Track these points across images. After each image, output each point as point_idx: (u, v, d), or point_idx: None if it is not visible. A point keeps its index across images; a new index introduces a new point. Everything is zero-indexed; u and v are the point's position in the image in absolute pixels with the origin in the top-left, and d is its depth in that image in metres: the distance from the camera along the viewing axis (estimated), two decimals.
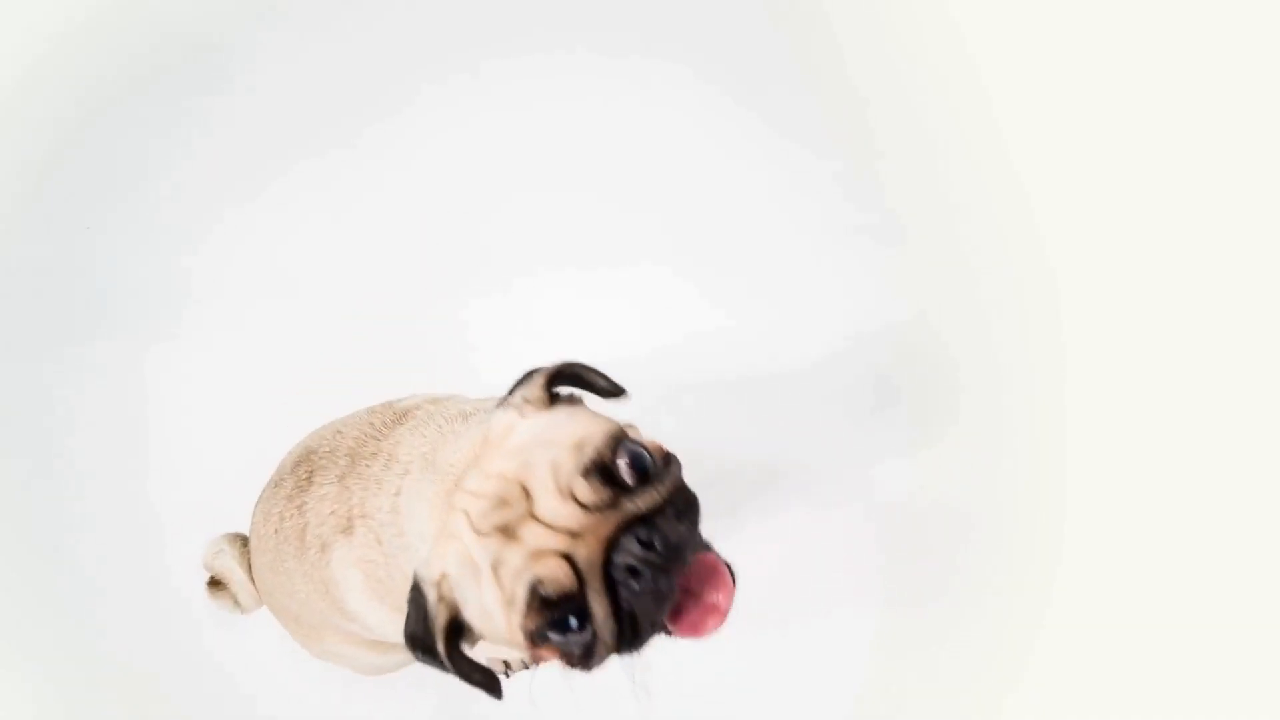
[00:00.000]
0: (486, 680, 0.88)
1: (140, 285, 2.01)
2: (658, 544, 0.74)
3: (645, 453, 0.82)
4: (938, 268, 1.83)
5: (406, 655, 1.39)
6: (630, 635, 0.77)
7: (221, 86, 2.19)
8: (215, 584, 1.42)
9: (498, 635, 0.82)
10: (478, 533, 0.77)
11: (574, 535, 0.75)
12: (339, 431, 1.19)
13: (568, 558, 0.74)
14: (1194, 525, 1.54)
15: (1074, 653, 1.49)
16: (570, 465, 0.78)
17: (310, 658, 1.52)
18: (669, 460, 0.85)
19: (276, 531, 1.19)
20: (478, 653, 0.94)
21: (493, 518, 0.77)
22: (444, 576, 0.82)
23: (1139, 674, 1.46)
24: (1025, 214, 1.82)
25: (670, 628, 0.82)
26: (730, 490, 1.68)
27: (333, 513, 1.09)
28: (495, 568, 0.77)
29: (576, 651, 0.79)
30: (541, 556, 0.75)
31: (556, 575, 0.74)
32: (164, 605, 1.70)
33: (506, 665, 1.61)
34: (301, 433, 1.31)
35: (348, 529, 1.06)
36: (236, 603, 1.42)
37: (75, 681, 1.68)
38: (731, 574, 0.83)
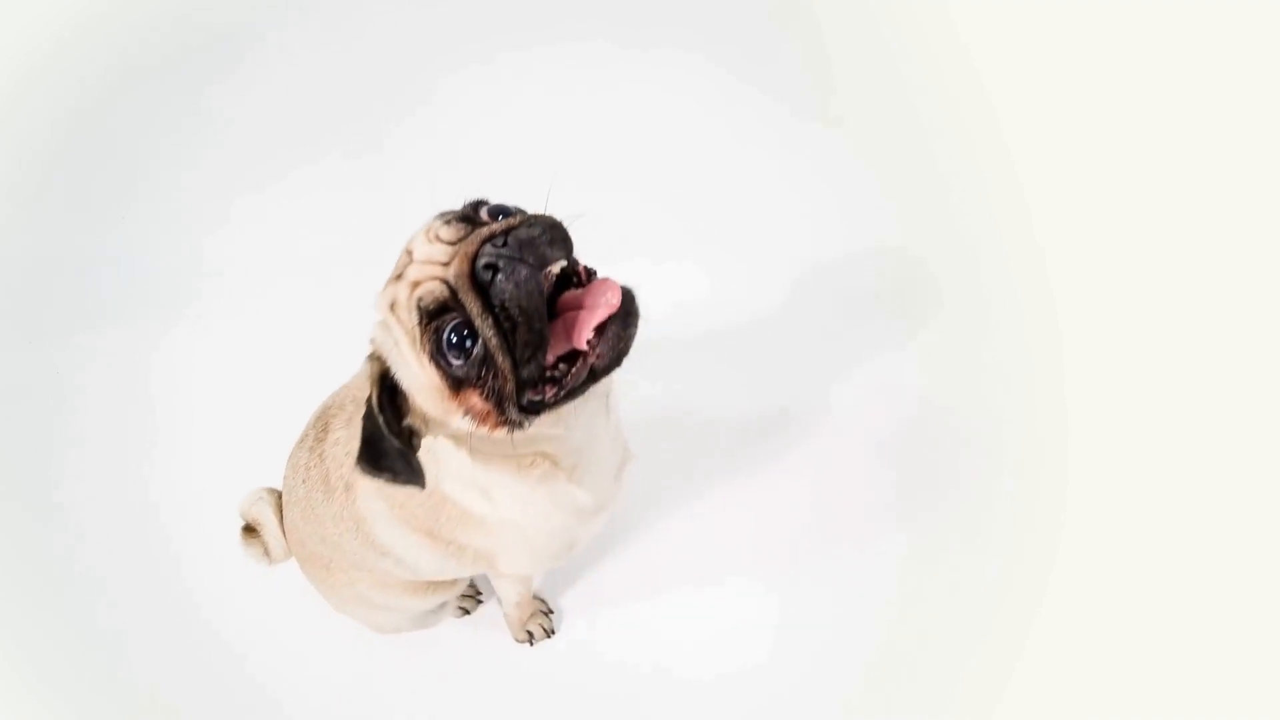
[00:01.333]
0: (403, 455, 0.92)
1: (154, 273, 2.10)
2: (511, 242, 0.84)
3: (508, 205, 0.93)
4: (924, 206, 1.93)
5: (444, 594, 1.46)
6: (512, 331, 0.84)
7: (238, 78, 2.29)
8: (249, 531, 1.45)
9: (419, 382, 0.90)
10: (379, 293, 0.92)
11: (445, 264, 0.87)
12: (346, 385, 1.30)
13: (442, 279, 0.86)
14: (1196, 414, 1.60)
15: (1089, 550, 1.53)
16: (439, 221, 0.91)
17: (310, 660, 1.62)
18: (542, 214, 0.92)
19: (304, 481, 1.27)
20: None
21: (389, 278, 0.92)
22: (372, 341, 0.95)
23: (1152, 566, 1.50)
24: (1003, 153, 1.96)
25: (572, 342, 0.87)
26: (743, 438, 1.72)
27: (348, 453, 1.16)
28: (393, 308, 0.89)
29: (484, 375, 0.86)
30: (419, 284, 0.87)
31: (431, 289, 0.86)
32: (169, 591, 1.75)
33: (530, 636, 1.61)
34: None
35: None
36: (266, 552, 1.45)
37: (79, 666, 1.70)
38: (629, 294, 0.88)
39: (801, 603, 1.57)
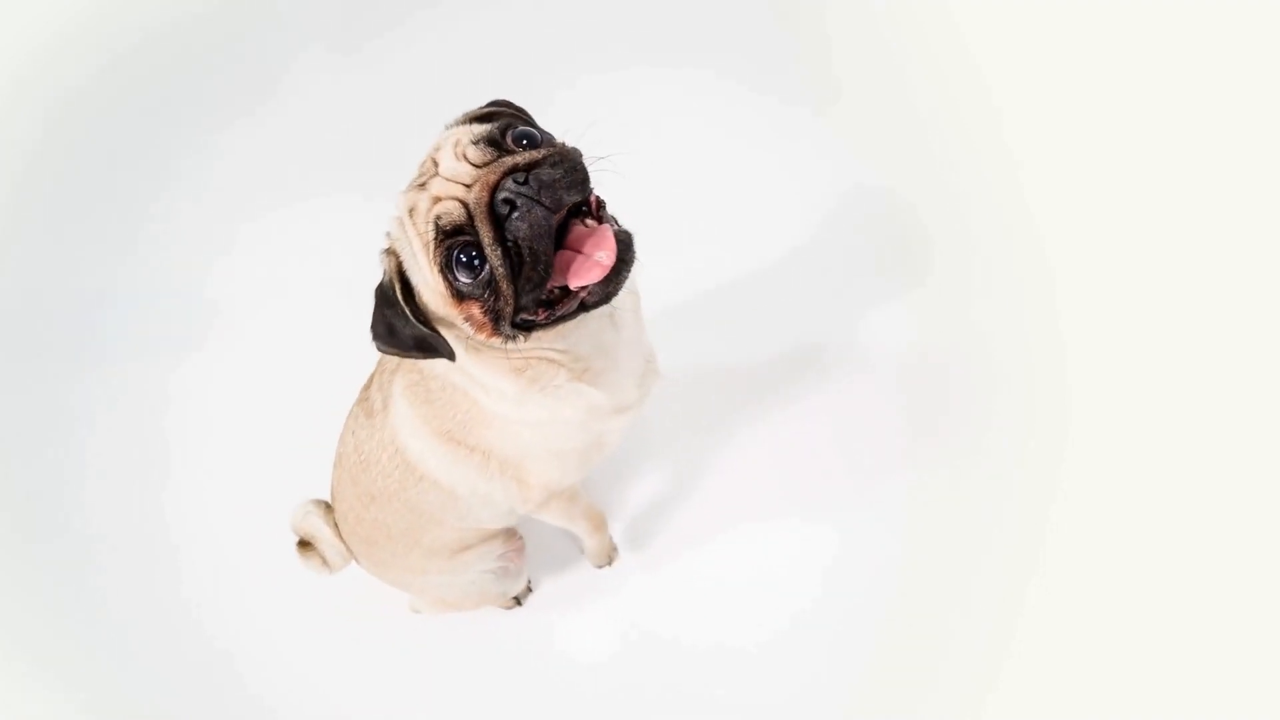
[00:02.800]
0: (427, 339, 1.01)
1: (165, 304, 2.14)
2: (532, 182, 0.90)
3: (535, 132, 1.00)
4: (917, 167, 2.02)
5: (489, 546, 1.51)
6: (519, 265, 0.91)
7: (248, 106, 2.35)
8: (304, 545, 1.48)
9: (428, 283, 0.98)
10: (402, 194, 0.99)
11: (467, 186, 0.93)
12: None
13: (462, 201, 0.93)
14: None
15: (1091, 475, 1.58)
16: (467, 139, 0.98)
17: (332, 678, 1.67)
18: (566, 148, 0.99)
19: (353, 433, 1.34)
20: None
21: (412, 183, 0.99)
22: (388, 236, 1.02)
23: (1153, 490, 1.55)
24: (995, 116, 2.03)
25: (567, 281, 0.95)
26: (760, 388, 1.81)
27: (389, 370, 1.28)
28: (411, 213, 0.97)
29: (486, 295, 0.94)
30: (440, 200, 0.94)
31: (450, 210, 0.93)
32: (180, 623, 1.80)
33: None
34: (320, 449, 1.46)
35: (396, 369, 1.25)
36: (325, 562, 1.47)
37: (93, 688, 1.74)
38: (626, 241, 0.96)
39: (842, 538, 1.65)
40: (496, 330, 0.98)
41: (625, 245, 0.96)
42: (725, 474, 1.75)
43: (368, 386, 1.36)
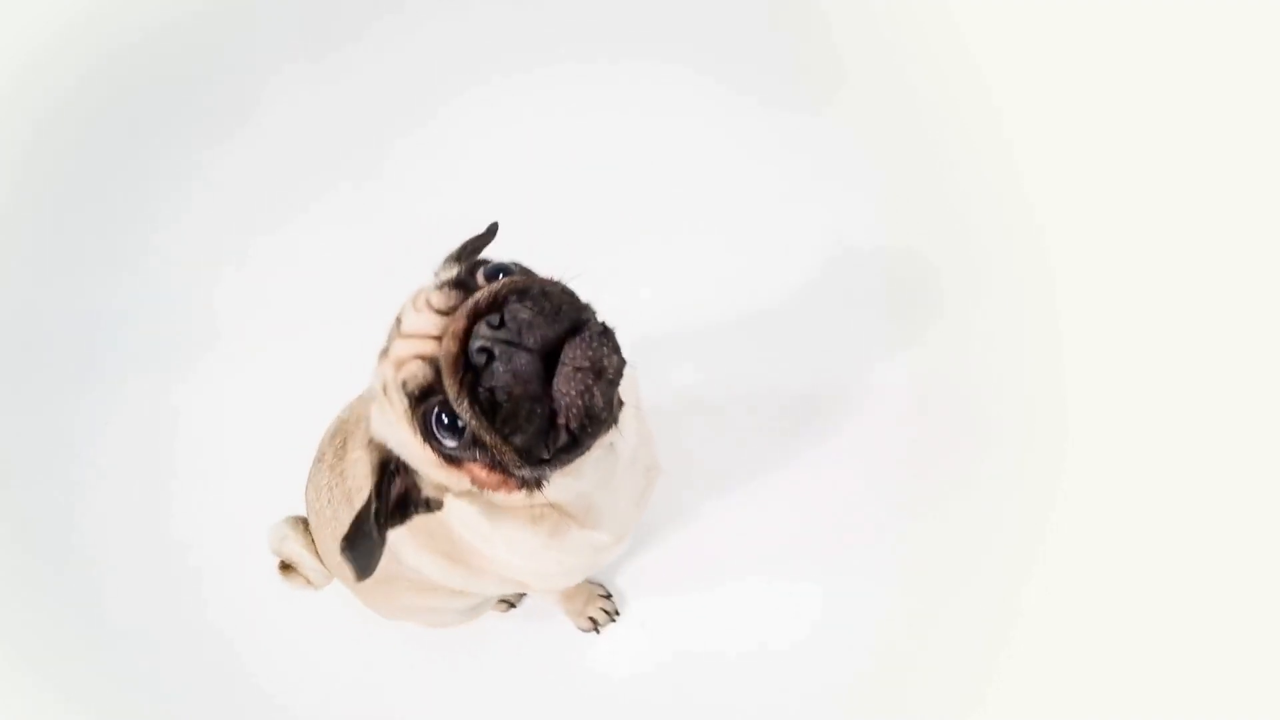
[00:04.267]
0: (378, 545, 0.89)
1: (171, 320, 2.12)
2: (509, 324, 0.77)
3: (509, 265, 0.87)
4: (928, 203, 1.94)
5: (474, 599, 1.45)
6: (494, 413, 0.78)
7: (237, 123, 2.33)
8: (286, 567, 1.45)
9: (419, 459, 0.87)
10: (374, 371, 0.86)
11: (436, 339, 0.80)
12: (361, 398, 1.26)
13: (428, 359, 0.80)
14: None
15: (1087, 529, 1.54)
16: (431, 286, 0.85)
17: (349, 682, 1.68)
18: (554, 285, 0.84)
19: (329, 502, 1.25)
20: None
21: (380, 354, 0.86)
22: (371, 421, 0.90)
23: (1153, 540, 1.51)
24: (1007, 150, 1.94)
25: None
26: (761, 428, 1.78)
27: (363, 446, 1.11)
28: (385, 390, 0.84)
29: (479, 455, 0.82)
30: (405, 362, 0.82)
31: (415, 372, 0.80)
32: (182, 626, 1.82)
33: (594, 623, 1.64)
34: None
35: (367, 445, 1.10)
36: (309, 581, 1.44)
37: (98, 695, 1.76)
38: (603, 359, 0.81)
39: (841, 586, 1.61)
40: (512, 480, 0.85)
41: (601, 359, 0.79)
42: (726, 491, 1.72)
43: (341, 454, 1.24)
